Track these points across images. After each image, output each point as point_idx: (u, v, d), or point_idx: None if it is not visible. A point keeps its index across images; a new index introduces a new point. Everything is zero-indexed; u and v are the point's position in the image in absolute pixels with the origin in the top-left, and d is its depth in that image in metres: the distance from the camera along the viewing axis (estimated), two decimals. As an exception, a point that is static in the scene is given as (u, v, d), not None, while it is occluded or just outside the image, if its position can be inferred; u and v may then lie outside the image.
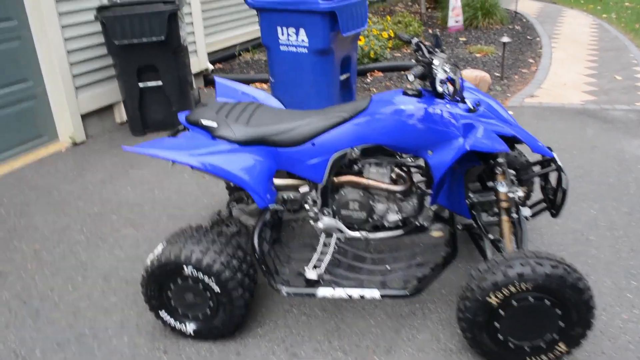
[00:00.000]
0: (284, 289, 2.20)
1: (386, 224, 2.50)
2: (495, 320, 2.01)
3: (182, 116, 2.56)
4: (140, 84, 4.62)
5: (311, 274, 2.23)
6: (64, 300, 2.63)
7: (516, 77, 6.22)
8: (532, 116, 4.95)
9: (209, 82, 6.41)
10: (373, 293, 2.14)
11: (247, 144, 2.37)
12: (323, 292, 2.17)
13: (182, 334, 2.31)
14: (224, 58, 7.14)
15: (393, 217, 2.48)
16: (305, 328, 2.39)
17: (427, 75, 2.19)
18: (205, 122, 2.44)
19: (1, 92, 4.18)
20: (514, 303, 1.97)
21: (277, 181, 2.50)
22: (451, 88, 2.27)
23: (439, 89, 2.15)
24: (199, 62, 6.19)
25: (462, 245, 2.82)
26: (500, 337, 2.05)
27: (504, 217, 2.30)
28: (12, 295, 2.67)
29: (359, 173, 2.49)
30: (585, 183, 3.62)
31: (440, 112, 2.21)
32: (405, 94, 2.32)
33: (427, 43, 2.39)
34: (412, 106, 2.25)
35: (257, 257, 2.19)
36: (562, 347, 2.04)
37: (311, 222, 2.54)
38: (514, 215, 2.40)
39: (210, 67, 6.44)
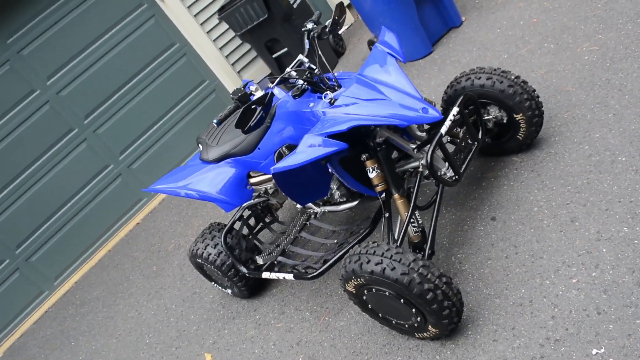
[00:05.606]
0: (245, 271, 2.86)
1: (338, 200, 2.76)
2: (367, 303, 2.20)
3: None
4: (274, 55, 5.42)
5: (260, 259, 2.82)
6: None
7: None
8: None
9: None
10: (288, 276, 2.59)
11: (218, 161, 3.01)
12: (265, 274, 2.75)
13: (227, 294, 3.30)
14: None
15: (337, 193, 2.71)
16: (302, 288, 3.01)
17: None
18: (199, 146, 3.17)
19: (192, 95, 5.74)
20: (365, 292, 2.12)
21: (254, 179, 3.05)
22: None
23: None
24: (346, -9, 6.40)
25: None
26: (380, 315, 2.22)
27: (395, 196, 2.27)
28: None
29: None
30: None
31: (305, 113, 2.33)
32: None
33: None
34: (292, 108, 2.43)
35: (226, 251, 2.90)
36: (432, 329, 2.07)
37: (293, 202, 3.02)
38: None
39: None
